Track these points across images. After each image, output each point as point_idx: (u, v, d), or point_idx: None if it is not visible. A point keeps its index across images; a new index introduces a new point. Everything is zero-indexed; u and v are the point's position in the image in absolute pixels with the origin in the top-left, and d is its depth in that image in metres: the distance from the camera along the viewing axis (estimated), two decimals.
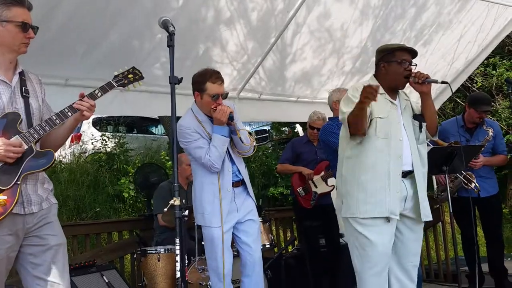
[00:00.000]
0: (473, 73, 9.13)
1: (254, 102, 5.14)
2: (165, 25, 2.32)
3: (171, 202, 2.07)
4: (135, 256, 4.36)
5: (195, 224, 3.20)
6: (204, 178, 3.14)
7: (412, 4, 4.80)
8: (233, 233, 3.19)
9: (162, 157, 8.87)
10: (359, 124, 2.63)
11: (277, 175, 8.62)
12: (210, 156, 3.03)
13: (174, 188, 2.11)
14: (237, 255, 3.33)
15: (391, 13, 4.76)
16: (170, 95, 2.32)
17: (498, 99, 9.22)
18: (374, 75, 2.92)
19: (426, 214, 2.78)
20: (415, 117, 2.87)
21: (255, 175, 8.55)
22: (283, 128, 12.12)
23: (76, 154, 9.24)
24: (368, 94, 2.45)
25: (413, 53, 2.85)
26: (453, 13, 5.12)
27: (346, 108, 2.73)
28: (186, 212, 2.09)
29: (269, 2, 4.10)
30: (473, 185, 3.79)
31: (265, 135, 14.81)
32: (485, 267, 4.40)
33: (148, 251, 3.85)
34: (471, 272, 4.33)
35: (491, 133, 4.05)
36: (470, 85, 8.79)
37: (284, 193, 8.39)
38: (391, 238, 2.72)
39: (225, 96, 3.17)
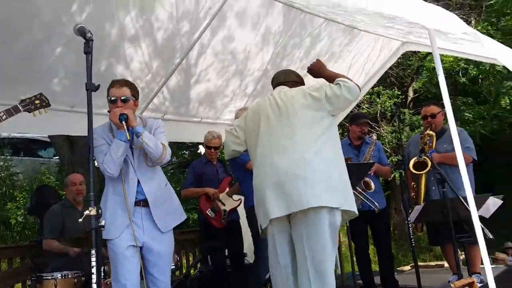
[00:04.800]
0: (361, 100, 9.93)
1: None
2: (81, 32, 2.28)
3: (87, 212, 1.98)
4: (28, 284, 4.03)
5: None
6: (110, 187, 3.04)
7: (308, 34, 5.13)
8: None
9: (51, 181, 8.37)
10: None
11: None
12: (104, 159, 2.94)
13: (90, 197, 2.02)
14: None
15: (290, 40, 5.05)
16: (67, 112, 2.27)
17: (382, 125, 10.09)
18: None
19: None
20: None
21: None
22: (182, 152, 12.01)
23: None
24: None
25: None
26: (344, 44, 5.56)
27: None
28: (103, 222, 2.00)
29: (175, 22, 4.15)
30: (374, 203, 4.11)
31: None
32: (377, 280, 4.67)
33: (44, 277, 3.60)
34: (366, 285, 4.61)
35: (374, 137, 4.52)
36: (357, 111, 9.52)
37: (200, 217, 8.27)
38: None
39: (125, 99, 3.02)
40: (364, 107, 10.06)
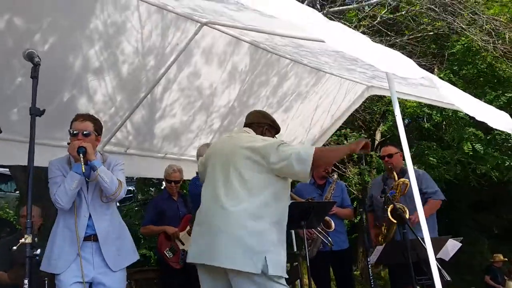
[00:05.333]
0: (328, 141, 10.05)
1: (120, 156, 5.00)
2: (30, 57, 2.28)
3: (22, 240, 1.89)
4: None
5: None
6: (61, 220, 2.99)
7: (275, 73, 5.20)
8: None
9: (10, 215, 8.04)
10: (331, 163, 2.78)
11: (140, 236, 8.29)
12: (57, 190, 2.91)
13: (27, 225, 1.93)
14: None
15: (256, 79, 5.11)
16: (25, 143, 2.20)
17: (349, 167, 10.20)
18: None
19: None
20: None
21: None
22: (148, 189, 11.81)
23: None
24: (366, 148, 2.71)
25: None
26: (310, 85, 5.66)
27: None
28: (38, 251, 1.91)
29: (141, 57, 4.14)
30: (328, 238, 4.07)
31: (129, 195, 14.33)
32: None
33: None
34: None
35: (335, 176, 4.50)
36: None
37: (147, 255, 8.07)
38: None
39: (87, 133, 3.03)
40: None
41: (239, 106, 5.21)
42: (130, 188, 14.69)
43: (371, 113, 10.76)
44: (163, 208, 4.71)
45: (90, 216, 2.98)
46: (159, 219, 4.69)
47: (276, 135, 3.18)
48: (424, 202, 3.97)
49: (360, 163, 10.27)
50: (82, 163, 2.88)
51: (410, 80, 4.14)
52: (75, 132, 3.03)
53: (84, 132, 3.04)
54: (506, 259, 10.29)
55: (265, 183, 2.69)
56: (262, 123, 3.11)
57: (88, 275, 2.89)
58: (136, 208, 11.33)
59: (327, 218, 4.16)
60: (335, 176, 4.56)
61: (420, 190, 3.28)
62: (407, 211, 3.84)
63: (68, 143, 3.05)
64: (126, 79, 4.25)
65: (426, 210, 4.20)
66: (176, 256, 4.53)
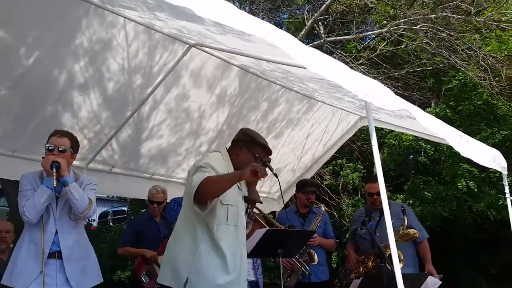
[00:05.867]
0: (323, 171, 9.97)
1: (105, 174, 4.95)
2: None
3: None
4: None
5: None
6: (27, 234, 2.96)
7: (266, 98, 5.18)
8: None
9: None
10: (217, 194, 2.62)
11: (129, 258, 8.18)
12: (26, 203, 2.89)
13: None
14: None
15: (246, 103, 5.08)
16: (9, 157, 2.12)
17: (343, 198, 10.08)
18: (227, 149, 2.98)
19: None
20: (245, 199, 2.96)
21: (103, 256, 7.99)
22: (141, 210, 11.71)
23: None
24: (262, 174, 2.52)
25: (269, 154, 2.99)
26: (302, 112, 5.62)
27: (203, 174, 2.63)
28: None
29: (127, 75, 4.13)
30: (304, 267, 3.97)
31: (123, 216, 14.22)
32: None
33: None
34: None
35: (323, 209, 4.38)
36: (320, 182, 9.51)
37: (133, 279, 7.92)
38: None
39: (63, 150, 3.07)
40: (326, 178, 10.08)
41: (227, 130, 5.17)
42: (123, 208, 14.61)
43: (369, 145, 10.68)
44: (143, 229, 4.62)
45: (56, 232, 2.95)
46: (138, 240, 4.60)
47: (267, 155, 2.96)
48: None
49: (354, 194, 10.16)
50: (54, 178, 2.89)
51: (397, 112, 4.10)
52: (50, 147, 3.07)
53: (60, 148, 3.08)
54: None
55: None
56: (239, 140, 2.95)
57: None
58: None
59: (311, 251, 4.08)
60: (323, 208, 4.45)
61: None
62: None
63: (43, 157, 3.07)
64: (111, 96, 4.24)
65: (426, 254, 4.18)
66: (153, 281, 4.40)
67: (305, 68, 2.51)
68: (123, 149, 4.91)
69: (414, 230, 4.02)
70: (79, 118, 4.28)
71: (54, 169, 2.91)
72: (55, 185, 2.87)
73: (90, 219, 13.52)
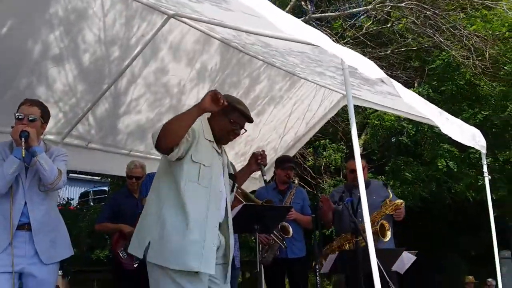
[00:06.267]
0: (305, 151, 9.97)
1: (81, 150, 4.83)
2: None
3: None
4: None
5: None
6: None
7: (247, 75, 5.10)
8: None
9: None
10: (179, 133, 2.47)
11: (107, 237, 8.11)
12: None
13: None
14: None
15: (227, 79, 4.99)
16: None
17: (325, 178, 10.11)
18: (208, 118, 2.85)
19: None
20: (230, 176, 2.92)
21: (81, 235, 7.92)
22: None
23: None
24: (216, 101, 2.47)
25: (249, 121, 2.92)
26: (284, 90, 5.55)
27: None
28: None
29: (104, 47, 4.00)
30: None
31: (103, 196, 14.12)
32: None
33: None
34: None
35: (296, 182, 4.43)
36: (302, 162, 9.52)
37: (111, 256, 7.88)
38: None
39: (33, 119, 2.99)
40: (309, 159, 10.09)
41: None
42: (104, 188, 14.50)
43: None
44: (121, 205, 4.56)
45: (25, 203, 2.88)
46: (117, 216, 4.54)
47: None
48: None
49: (336, 175, 10.20)
50: (23, 148, 2.80)
51: (378, 88, 4.07)
52: (20, 116, 2.98)
53: (30, 118, 2.99)
54: (478, 281, 10.27)
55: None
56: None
57: (18, 265, 2.78)
58: None
59: (285, 223, 4.05)
60: (296, 181, 4.45)
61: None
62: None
63: (12, 127, 2.97)
64: (87, 68, 4.10)
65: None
66: (131, 257, 4.35)
67: (283, 32, 2.45)
68: (100, 124, 4.79)
69: (400, 200, 4.06)
70: (54, 91, 4.15)
71: (23, 139, 2.82)
72: (23, 155, 2.78)
73: (69, 198, 13.41)
